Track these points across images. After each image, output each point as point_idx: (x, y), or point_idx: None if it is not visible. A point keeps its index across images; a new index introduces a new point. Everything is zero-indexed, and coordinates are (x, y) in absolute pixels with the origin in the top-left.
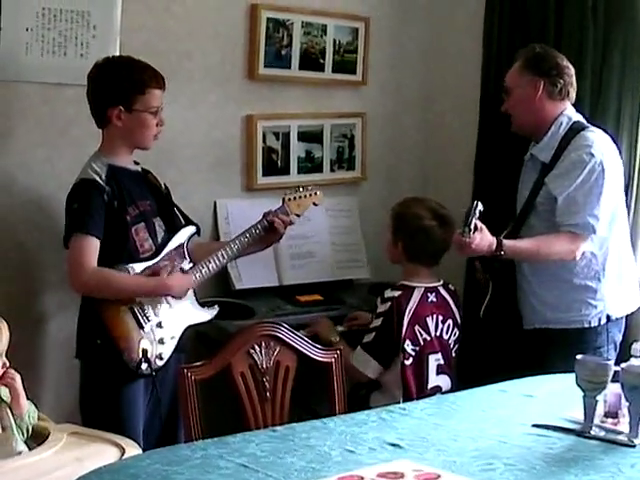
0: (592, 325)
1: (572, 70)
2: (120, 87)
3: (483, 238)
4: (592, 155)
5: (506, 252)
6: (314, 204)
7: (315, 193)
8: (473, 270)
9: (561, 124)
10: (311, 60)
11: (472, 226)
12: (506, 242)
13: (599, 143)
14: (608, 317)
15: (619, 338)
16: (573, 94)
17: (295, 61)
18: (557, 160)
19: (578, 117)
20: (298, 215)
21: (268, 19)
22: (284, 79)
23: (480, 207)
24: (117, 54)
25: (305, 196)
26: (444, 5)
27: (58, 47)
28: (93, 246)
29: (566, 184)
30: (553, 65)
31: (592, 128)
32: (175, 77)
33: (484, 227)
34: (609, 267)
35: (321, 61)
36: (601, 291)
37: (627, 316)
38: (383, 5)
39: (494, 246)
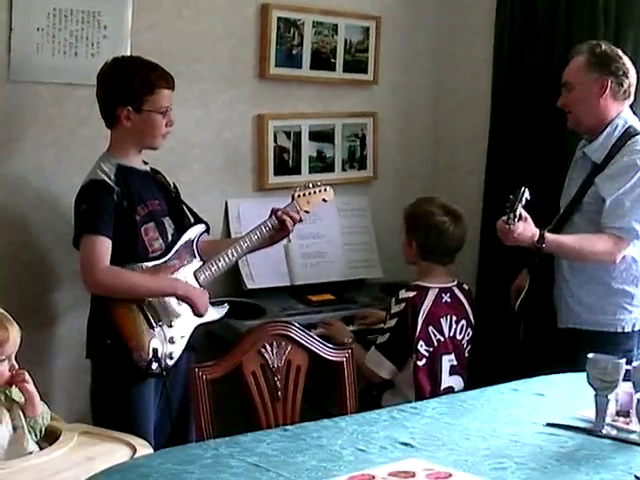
0: (625, 330)
1: (634, 70)
2: (129, 87)
3: (526, 228)
4: None
5: (547, 245)
6: (324, 200)
7: (325, 189)
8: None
9: (617, 126)
10: (322, 60)
11: (517, 213)
12: (548, 235)
13: None
14: None
15: None
16: (633, 95)
17: (306, 61)
18: (609, 161)
19: (634, 120)
20: (307, 212)
21: (279, 19)
22: (295, 79)
23: (527, 195)
24: (127, 54)
25: (315, 192)
26: (455, 5)
27: (69, 47)
28: (105, 245)
29: (616, 186)
30: (620, 65)
31: None
32: (186, 77)
33: (529, 217)
34: None
35: (332, 60)
36: (638, 297)
37: None
38: (394, 4)
39: (536, 237)
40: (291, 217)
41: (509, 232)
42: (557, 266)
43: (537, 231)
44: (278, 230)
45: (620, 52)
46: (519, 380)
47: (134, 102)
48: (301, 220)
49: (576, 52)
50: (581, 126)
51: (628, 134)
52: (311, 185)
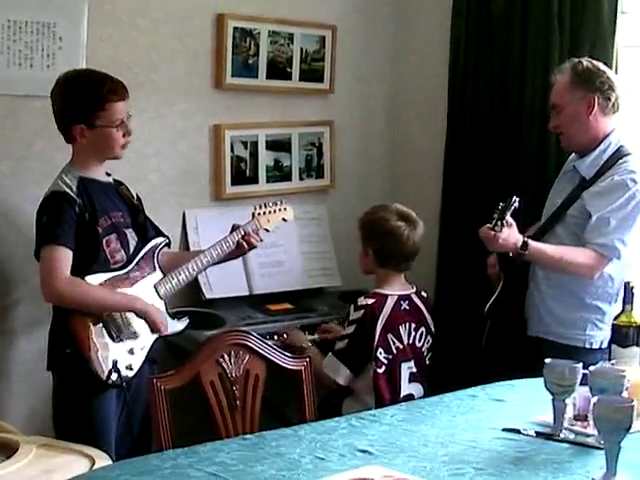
0: (593, 347)
1: (618, 80)
2: (79, 105)
3: (511, 234)
4: (635, 182)
5: (530, 253)
6: (284, 219)
7: (285, 208)
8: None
9: (610, 144)
10: (278, 69)
11: (505, 221)
12: (532, 244)
13: None
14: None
15: None
16: (622, 106)
17: (262, 70)
18: (598, 178)
19: (625, 139)
20: (267, 230)
21: (234, 29)
22: (251, 88)
23: (516, 204)
24: (83, 66)
25: (275, 211)
26: (411, 13)
27: (24, 59)
28: (65, 256)
29: (604, 204)
30: (604, 79)
31: (637, 154)
32: (142, 88)
33: (514, 224)
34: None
35: (288, 70)
36: (609, 315)
37: None
38: (350, 13)
39: (520, 244)
40: (249, 242)
41: (494, 238)
42: (532, 275)
43: (521, 237)
44: (238, 246)
45: (602, 66)
46: (478, 386)
47: (86, 119)
48: (261, 240)
49: (559, 72)
50: (574, 145)
51: (620, 153)
52: (271, 203)
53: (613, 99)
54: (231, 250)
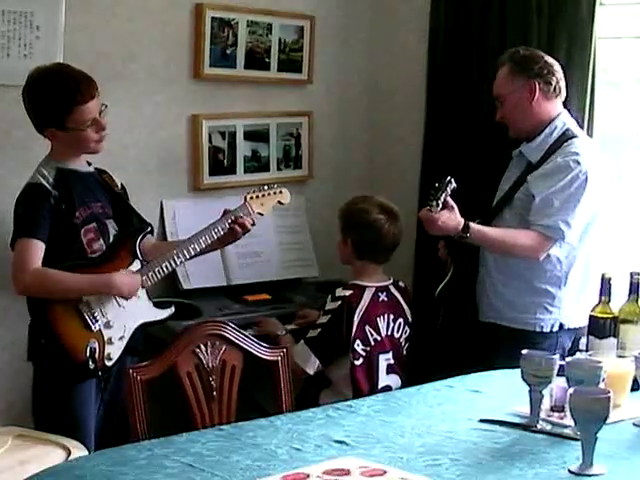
0: (544, 330)
1: (558, 65)
2: (46, 111)
3: (451, 217)
4: (578, 163)
5: (471, 236)
6: (280, 203)
7: (280, 191)
8: (435, 249)
9: (556, 127)
10: (256, 59)
11: (440, 202)
12: (473, 226)
13: (588, 153)
14: (561, 325)
15: (568, 345)
16: (564, 89)
17: (240, 60)
18: (544, 161)
19: (571, 123)
20: (261, 214)
21: (213, 18)
22: (229, 78)
23: (453, 184)
24: (61, 55)
25: (269, 194)
26: (389, 3)
27: (1, 48)
28: (37, 249)
29: (547, 185)
30: (543, 64)
31: (583, 137)
32: (120, 77)
33: (455, 207)
34: (572, 276)
35: (267, 60)
36: (559, 298)
37: (581, 327)
38: (328, 3)
39: (461, 227)
40: (241, 224)
41: (432, 220)
42: (483, 260)
43: (462, 220)
44: (228, 233)
45: (540, 52)
46: (455, 377)
47: (56, 123)
48: (254, 224)
49: (500, 64)
50: (521, 133)
51: (565, 136)
52: (266, 187)
53: (554, 83)
54: (220, 236)
